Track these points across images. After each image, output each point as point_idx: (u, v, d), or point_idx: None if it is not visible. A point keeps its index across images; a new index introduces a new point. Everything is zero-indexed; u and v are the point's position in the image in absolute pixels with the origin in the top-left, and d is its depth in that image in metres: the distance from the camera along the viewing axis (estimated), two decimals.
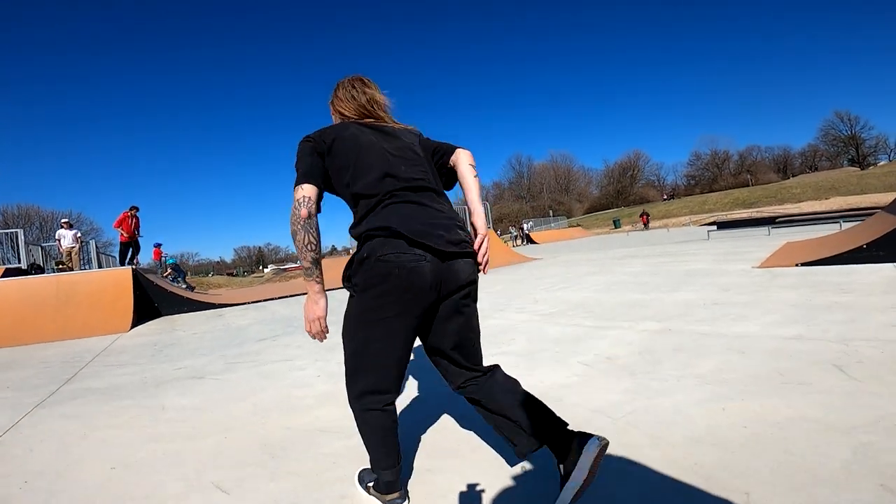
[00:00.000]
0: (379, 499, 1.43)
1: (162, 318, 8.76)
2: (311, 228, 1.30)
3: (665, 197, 62.62)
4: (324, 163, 1.39)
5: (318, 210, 1.35)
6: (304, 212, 1.29)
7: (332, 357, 3.66)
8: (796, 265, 5.92)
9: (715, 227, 17.37)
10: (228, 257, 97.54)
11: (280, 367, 3.61)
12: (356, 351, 1.37)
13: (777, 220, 15.01)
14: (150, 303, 9.21)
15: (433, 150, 1.59)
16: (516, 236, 34.18)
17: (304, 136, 1.43)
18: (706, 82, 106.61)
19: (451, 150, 1.59)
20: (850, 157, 69.76)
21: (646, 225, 31.63)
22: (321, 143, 1.39)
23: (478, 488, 1.55)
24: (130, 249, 12.54)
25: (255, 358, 4.06)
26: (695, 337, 3.09)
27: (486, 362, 1.55)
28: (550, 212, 46.61)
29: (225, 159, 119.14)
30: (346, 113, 1.55)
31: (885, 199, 27.45)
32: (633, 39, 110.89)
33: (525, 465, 1.66)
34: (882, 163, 58.88)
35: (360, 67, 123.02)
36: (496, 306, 5.41)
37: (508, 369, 1.73)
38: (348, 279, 1.36)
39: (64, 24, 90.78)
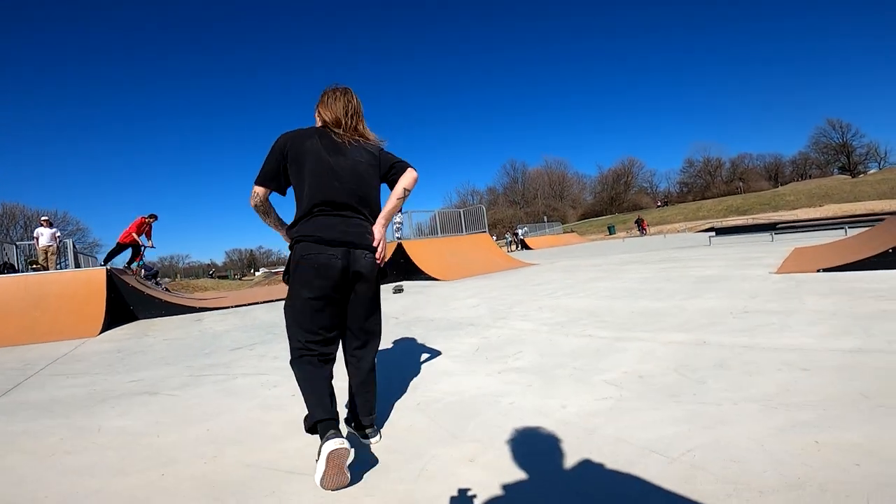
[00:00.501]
0: (311, 433, 1.68)
1: (137, 322, 8.18)
2: (261, 211, 1.89)
3: (659, 204, 62.66)
4: (284, 164, 1.81)
5: (266, 199, 1.87)
6: (252, 202, 1.85)
7: None
8: (818, 271, 5.52)
9: (714, 233, 17.06)
10: (220, 260, 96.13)
11: (250, 382, 3.11)
12: (291, 320, 1.80)
13: (778, 227, 14.72)
14: (125, 306, 8.65)
15: (390, 165, 1.93)
16: (511, 241, 33.78)
17: (283, 132, 1.84)
18: (699, 89, 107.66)
19: (401, 170, 1.93)
20: (840, 165, 70.37)
21: (644, 231, 31.37)
22: (285, 150, 1.80)
23: None
24: (130, 251, 11.83)
25: (224, 370, 3.55)
26: (737, 350, 2.63)
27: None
28: (545, 217, 46.31)
29: (217, 160, 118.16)
30: (326, 119, 1.88)
31: (880, 206, 27.43)
32: (627, 46, 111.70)
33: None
34: (872, 171, 59.32)
35: (353, 70, 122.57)
36: (496, 313, 4.94)
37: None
38: (286, 275, 1.81)
39: (52, 23, 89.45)
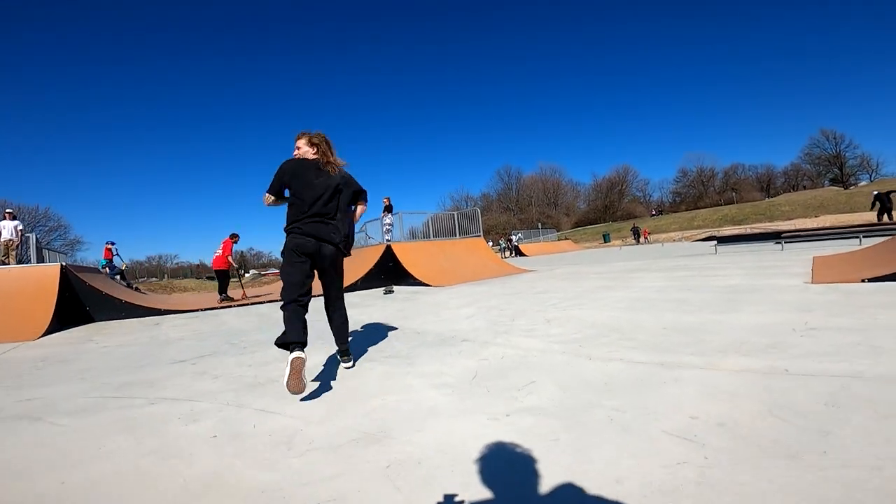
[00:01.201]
0: (282, 348, 2.48)
1: (90, 325, 7.30)
2: (272, 204, 2.86)
3: (653, 213, 62.37)
4: (282, 183, 2.76)
5: (276, 202, 2.85)
6: (265, 200, 2.84)
7: (252, 402, 2.37)
8: (863, 280, 4.82)
9: (716, 242, 16.47)
10: (210, 261, 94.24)
11: (165, 411, 2.30)
12: (285, 280, 2.64)
13: (784, 235, 14.12)
14: (81, 306, 7.77)
15: (353, 192, 2.90)
16: (504, 248, 33.05)
17: (284, 160, 2.79)
18: (693, 98, 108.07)
19: (357, 197, 2.96)
20: (832, 176, 70.70)
21: (643, 239, 30.77)
22: (283, 176, 2.74)
23: None
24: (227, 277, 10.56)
25: (144, 392, 2.73)
26: (844, 382, 1.88)
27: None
28: (539, 224, 45.72)
29: (207, 160, 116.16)
30: (314, 153, 2.84)
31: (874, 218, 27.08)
32: (622, 54, 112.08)
33: None
34: (863, 183, 59.55)
35: (348, 75, 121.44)
36: (496, 326, 4.16)
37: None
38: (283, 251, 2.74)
39: (50, 22, 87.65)
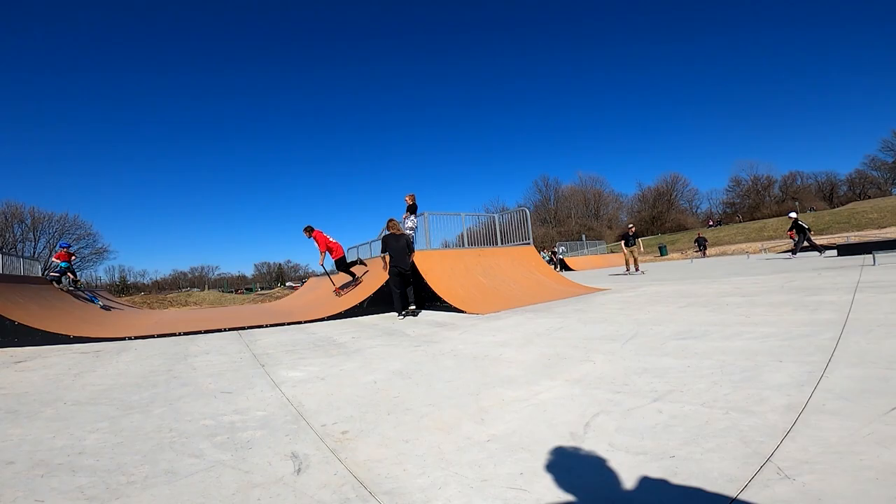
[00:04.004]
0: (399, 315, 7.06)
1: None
2: (385, 259, 7.35)
3: (711, 223, 56.99)
4: (386, 248, 7.27)
5: (386, 256, 7.25)
6: (383, 257, 7.36)
7: None
8: None
9: (835, 252, 12.88)
10: (249, 272, 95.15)
11: None
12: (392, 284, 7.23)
13: None
14: None
15: (409, 246, 7.43)
16: (549, 261, 29.79)
17: (384, 236, 7.49)
18: (741, 104, 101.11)
19: (410, 251, 7.44)
20: None
21: (704, 252, 26.82)
22: (385, 245, 7.30)
23: None
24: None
25: None
26: None
27: None
28: (583, 236, 42.08)
29: (244, 168, 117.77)
30: (390, 230, 7.45)
31: None
32: (662, 60, 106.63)
33: None
34: None
35: (385, 82, 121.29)
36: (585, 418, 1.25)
37: None
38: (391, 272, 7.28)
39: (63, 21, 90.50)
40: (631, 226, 15.34)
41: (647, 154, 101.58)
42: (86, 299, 10.74)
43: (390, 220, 7.54)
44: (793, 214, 16.08)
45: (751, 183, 75.19)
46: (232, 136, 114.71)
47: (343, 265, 9.88)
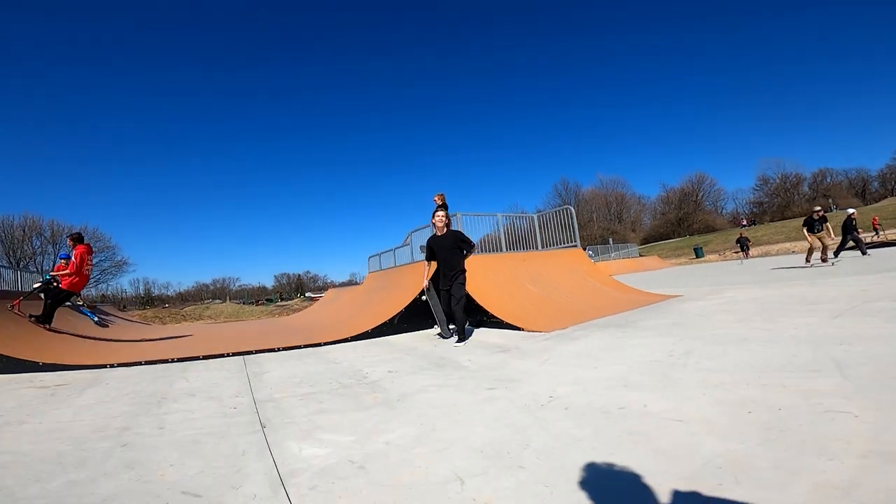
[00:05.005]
0: (441, 337, 5.53)
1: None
2: (426, 268, 5.62)
3: (744, 223, 54.32)
4: (431, 250, 5.41)
5: (431, 264, 5.47)
6: (426, 264, 5.62)
7: None
8: None
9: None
10: (269, 283, 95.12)
11: None
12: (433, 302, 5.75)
13: None
14: None
15: (462, 242, 5.34)
16: None
17: (428, 238, 5.59)
18: (763, 99, 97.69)
19: (468, 248, 5.34)
20: None
21: (747, 252, 24.87)
22: (430, 246, 5.42)
23: None
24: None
25: None
26: None
27: None
28: (610, 240, 40.33)
29: (263, 179, 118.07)
30: (435, 226, 5.51)
31: None
32: (686, 57, 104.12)
33: None
34: None
35: (408, 88, 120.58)
36: None
37: None
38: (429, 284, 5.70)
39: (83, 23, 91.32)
40: (819, 208, 11.74)
41: (667, 154, 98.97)
42: (83, 314, 9.71)
43: (438, 212, 5.54)
44: (851, 210, 13.67)
45: (779, 181, 72.32)
46: (247, 142, 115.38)
47: (58, 300, 6.81)
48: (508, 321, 5.50)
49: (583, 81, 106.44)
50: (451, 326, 5.59)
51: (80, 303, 10.16)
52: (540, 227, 9.77)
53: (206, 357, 5.40)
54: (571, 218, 9.46)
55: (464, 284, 5.23)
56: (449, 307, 5.25)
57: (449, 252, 5.24)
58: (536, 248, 9.54)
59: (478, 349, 4.45)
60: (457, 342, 4.93)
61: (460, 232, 5.59)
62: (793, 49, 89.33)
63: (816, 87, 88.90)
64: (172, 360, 5.24)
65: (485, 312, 5.97)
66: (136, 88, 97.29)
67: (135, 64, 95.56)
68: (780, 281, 8.24)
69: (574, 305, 6.52)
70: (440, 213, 5.48)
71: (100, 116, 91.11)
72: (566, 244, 9.45)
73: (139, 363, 5.15)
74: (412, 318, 6.50)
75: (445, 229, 5.42)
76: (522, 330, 5.24)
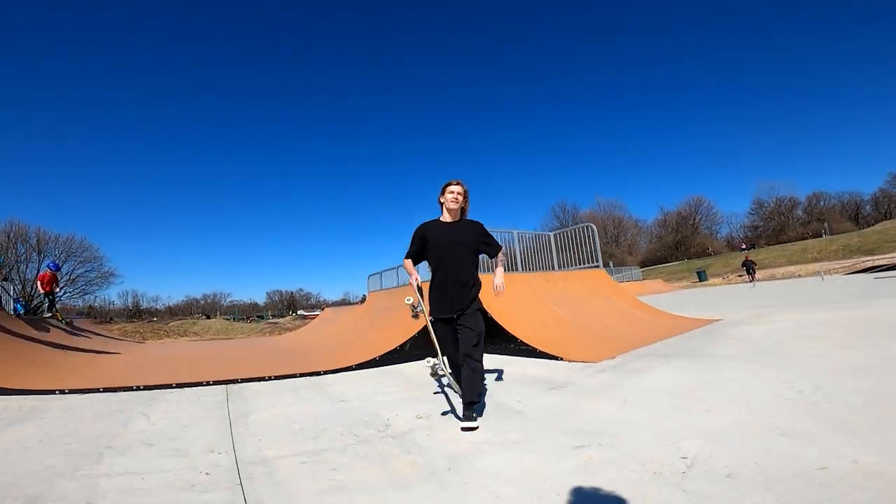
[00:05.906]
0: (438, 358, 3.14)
1: None
2: (409, 268, 3.22)
3: (744, 247, 53.99)
4: (421, 244, 3.10)
5: (415, 264, 3.20)
6: (405, 264, 3.23)
7: None
8: None
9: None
10: (261, 300, 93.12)
11: None
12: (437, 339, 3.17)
13: None
14: None
15: (486, 243, 3.12)
16: None
17: (419, 224, 3.16)
18: (758, 122, 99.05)
19: (495, 252, 3.13)
20: None
21: (753, 276, 24.26)
22: (421, 237, 3.09)
23: None
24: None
25: None
26: None
27: None
28: (611, 263, 39.73)
29: (260, 194, 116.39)
30: (446, 206, 3.11)
31: None
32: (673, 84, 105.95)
33: None
34: None
35: (401, 107, 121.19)
36: None
37: None
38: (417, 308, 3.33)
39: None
40: None
41: (661, 177, 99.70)
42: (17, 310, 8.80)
43: (453, 185, 3.08)
44: None
45: (774, 205, 72.80)
46: (247, 152, 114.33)
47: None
48: (543, 350, 4.68)
49: (589, 91, 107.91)
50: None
51: (50, 315, 9.20)
52: (556, 247, 9.05)
53: (179, 385, 4.53)
54: (593, 235, 8.75)
55: (482, 311, 3.05)
56: (456, 348, 2.97)
57: (462, 251, 3.00)
58: (553, 269, 8.79)
59: (520, 385, 3.62)
60: (465, 424, 2.58)
61: (481, 224, 3.19)
62: (789, 71, 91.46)
63: (812, 108, 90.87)
64: (137, 388, 4.37)
65: (510, 339, 5.16)
66: (136, 88, 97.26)
67: (126, 68, 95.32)
68: (823, 303, 7.51)
69: (611, 332, 5.72)
70: (457, 187, 3.07)
71: (87, 120, 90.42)
72: (587, 264, 8.71)
73: (96, 390, 4.26)
74: (424, 345, 5.66)
75: (461, 214, 3.14)
76: (562, 360, 4.43)
